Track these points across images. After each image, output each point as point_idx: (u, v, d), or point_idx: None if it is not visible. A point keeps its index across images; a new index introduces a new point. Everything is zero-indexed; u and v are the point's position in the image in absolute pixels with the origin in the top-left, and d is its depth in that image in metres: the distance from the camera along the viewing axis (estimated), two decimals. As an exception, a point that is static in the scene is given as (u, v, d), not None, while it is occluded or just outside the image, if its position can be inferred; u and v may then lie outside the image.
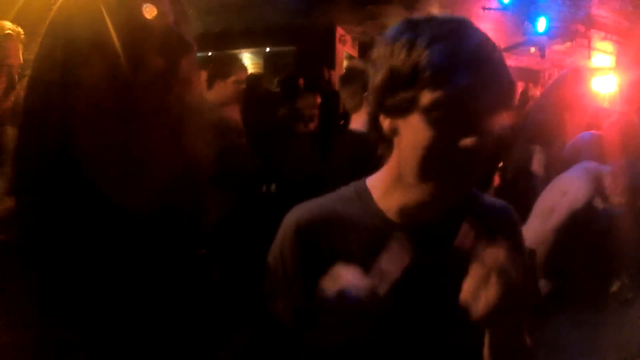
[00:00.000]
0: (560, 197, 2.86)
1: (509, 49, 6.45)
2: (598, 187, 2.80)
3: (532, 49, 5.84)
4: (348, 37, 7.68)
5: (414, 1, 4.04)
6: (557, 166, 3.17)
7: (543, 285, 2.76)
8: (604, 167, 2.93)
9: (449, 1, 5.19)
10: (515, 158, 3.47)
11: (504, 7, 4.97)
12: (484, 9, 5.25)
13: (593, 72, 7.54)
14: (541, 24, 5.21)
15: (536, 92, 7.93)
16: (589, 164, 3.02)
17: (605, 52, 6.84)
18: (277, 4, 5.22)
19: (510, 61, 9.16)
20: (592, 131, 3.91)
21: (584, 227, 2.69)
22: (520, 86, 8.66)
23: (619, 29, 5.36)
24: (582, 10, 5.07)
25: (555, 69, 9.04)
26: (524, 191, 3.39)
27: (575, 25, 5.42)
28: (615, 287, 3.21)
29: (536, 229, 2.83)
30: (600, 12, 5.00)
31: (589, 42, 6.06)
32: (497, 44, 1.01)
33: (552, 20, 5.27)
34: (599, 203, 2.87)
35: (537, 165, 3.47)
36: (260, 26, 5.84)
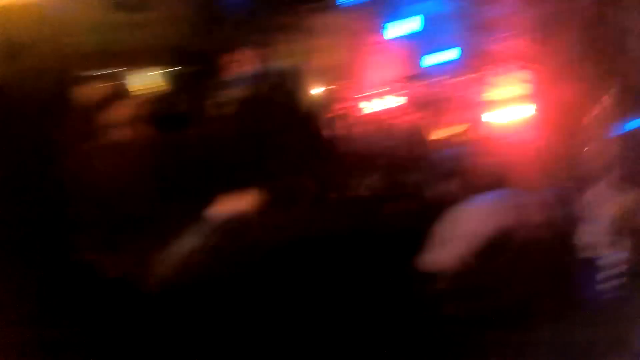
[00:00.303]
0: (466, 227, 3.20)
1: (405, 80, 6.47)
2: (519, 213, 3.17)
3: (432, 80, 5.83)
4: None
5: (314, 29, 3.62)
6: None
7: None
8: (522, 192, 3.34)
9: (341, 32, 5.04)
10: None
11: (404, 39, 4.82)
12: (381, 41, 5.11)
13: (498, 104, 7.93)
14: (440, 56, 5.29)
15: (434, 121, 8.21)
16: (507, 191, 3.45)
17: (514, 82, 7.06)
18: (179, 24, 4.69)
19: (411, 92, 9.37)
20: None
21: (503, 248, 3.04)
22: (420, 116, 8.92)
23: (529, 59, 5.54)
24: (489, 41, 5.11)
25: (460, 100, 9.42)
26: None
27: (480, 55, 5.47)
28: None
29: (454, 253, 3.07)
30: (510, 43, 5.08)
31: (489, 73, 6.25)
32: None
33: (457, 51, 5.26)
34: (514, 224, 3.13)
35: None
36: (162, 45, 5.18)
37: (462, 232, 3.26)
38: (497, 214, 3.31)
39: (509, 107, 7.80)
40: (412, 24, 4.55)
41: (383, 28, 4.48)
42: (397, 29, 4.54)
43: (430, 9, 4.46)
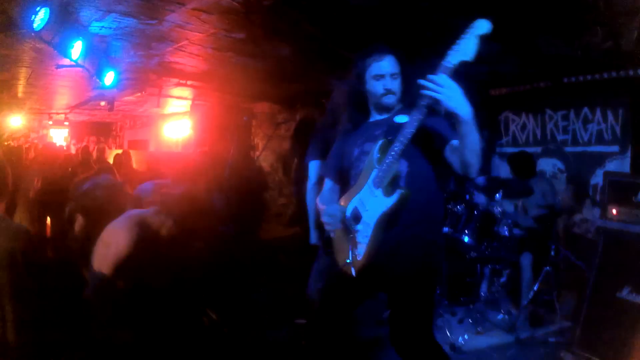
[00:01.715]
0: (106, 249, 3.02)
1: (81, 104, 5.77)
2: (142, 231, 3.04)
3: (103, 103, 5.39)
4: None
5: None
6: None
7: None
8: (150, 213, 3.20)
9: (22, 61, 4.65)
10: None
11: (77, 64, 4.43)
12: (58, 66, 4.56)
13: (165, 118, 7.60)
14: (109, 78, 4.93)
15: (108, 144, 7.41)
16: (133, 212, 3.26)
17: (180, 97, 6.91)
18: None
19: (83, 117, 8.21)
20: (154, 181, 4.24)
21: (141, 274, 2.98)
22: (93, 141, 7.88)
23: (195, 74, 5.57)
24: (154, 59, 5.01)
25: (127, 120, 8.57)
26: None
27: (147, 74, 5.30)
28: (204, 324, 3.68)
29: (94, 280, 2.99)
30: (175, 59, 5.06)
31: (160, 90, 6.03)
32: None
33: (123, 72, 5.03)
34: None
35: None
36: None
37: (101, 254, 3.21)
38: (131, 232, 3.06)
39: (175, 122, 7.91)
40: (78, 49, 4.13)
41: (60, 54, 3.95)
42: (72, 53, 4.07)
43: (96, 30, 4.11)
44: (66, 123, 8.31)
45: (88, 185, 4.39)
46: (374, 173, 2.25)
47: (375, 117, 2.48)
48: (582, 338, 3.57)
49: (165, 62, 5.23)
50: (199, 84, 6.06)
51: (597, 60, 4.64)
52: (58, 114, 7.57)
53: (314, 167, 3.53)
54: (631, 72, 4.70)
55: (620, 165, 5.03)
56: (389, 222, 2.21)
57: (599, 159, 5.20)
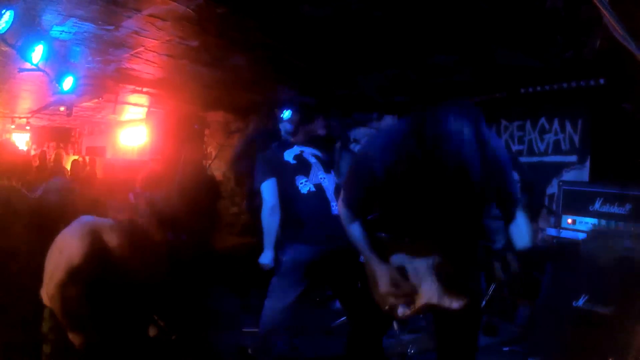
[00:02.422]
0: (59, 255, 2.92)
1: (42, 109, 5.86)
2: (95, 240, 2.92)
3: (62, 108, 5.52)
4: None
5: None
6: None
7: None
8: (103, 220, 3.07)
9: None
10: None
11: (38, 68, 4.59)
12: (20, 70, 4.69)
13: (122, 125, 7.69)
14: (67, 83, 5.09)
15: (66, 150, 7.44)
16: (87, 218, 3.09)
17: (136, 104, 7.04)
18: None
19: (43, 122, 8.17)
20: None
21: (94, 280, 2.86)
22: (52, 146, 7.87)
23: (151, 81, 5.75)
24: (112, 65, 5.19)
25: (85, 126, 8.57)
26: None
27: (105, 80, 5.47)
28: (152, 331, 3.87)
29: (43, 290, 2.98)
30: (132, 66, 5.24)
31: (117, 96, 6.19)
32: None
33: (82, 78, 5.20)
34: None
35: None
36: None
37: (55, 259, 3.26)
38: (84, 240, 3.33)
39: (132, 129, 8.03)
40: (39, 52, 4.29)
41: (22, 57, 4.09)
42: (33, 57, 4.22)
43: (57, 35, 4.28)
44: (27, 127, 8.33)
45: (40, 191, 4.51)
46: None
47: None
48: (537, 347, 3.61)
49: (122, 69, 5.39)
50: (155, 91, 6.24)
51: (556, 70, 4.70)
52: (20, 118, 7.60)
53: (270, 186, 3.59)
54: (592, 82, 4.73)
55: (579, 175, 5.04)
56: None
57: (556, 169, 5.20)
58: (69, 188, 4.28)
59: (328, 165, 3.78)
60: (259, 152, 3.88)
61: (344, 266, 3.64)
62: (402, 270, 2.26)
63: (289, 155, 3.63)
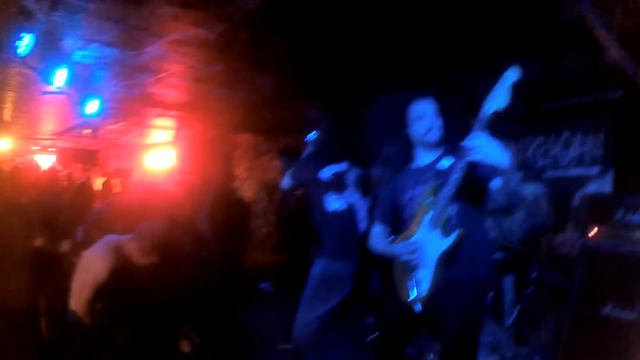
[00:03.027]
0: (86, 274, 3.22)
1: (66, 132, 5.94)
2: (119, 256, 3.26)
3: (87, 130, 5.57)
4: None
5: None
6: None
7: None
8: (124, 237, 3.37)
9: (8, 85, 4.89)
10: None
11: (61, 91, 4.61)
12: (44, 93, 4.72)
13: (149, 148, 7.77)
14: (92, 106, 5.12)
15: (93, 172, 7.54)
16: (110, 237, 3.43)
17: (163, 127, 7.11)
18: None
19: (68, 143, 8.36)
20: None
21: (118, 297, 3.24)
22: (78, 168, 8.02)
23: (177, 104, 5.76)
24: (136, 89, 5.21)
25: (112, 149, 8.75)
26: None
27: (130, 104, 5.49)
28: (187, 348, 3.86)
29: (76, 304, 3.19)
30: (156, 90, 5.26)
31: (142, 119, 6.22)
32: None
33: (107, 101, 5.21)
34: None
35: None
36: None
37: (82, 278, 3.32)
38: (108, 258, 3.30)
39: (159, 152, 8.07)
40: (63, 76, 4.31)
41: (45, 80, 4.13)
42: (56, 80, 4.24)
43: (79, 59, 4.29)
44: (53, 149, 8.46)
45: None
46: (429, 215, 2.37)
47: (418, 162, 2.61)
48: (566, 355, 3.59)
49: (147, 93, 5.45)
50: (182, 114, 6.27)
51: (576, 83, 4.72)
52: (44, 139, 7.73)
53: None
54: (612, 94, 4.72)
55: (602, 186, 5.06)
56: (448, 261, 2.31)
57: (580, 182, 5.20)
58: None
59: (367, 188, 3.78)
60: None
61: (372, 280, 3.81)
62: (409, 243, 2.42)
63: (328, 171, 3.63)
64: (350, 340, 4.79)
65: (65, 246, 4.15)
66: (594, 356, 3.40)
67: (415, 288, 2.37)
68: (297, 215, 5.53)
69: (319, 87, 5.40)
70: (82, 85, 4.62)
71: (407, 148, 2.67)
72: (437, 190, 2.32)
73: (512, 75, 2.15)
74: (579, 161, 5.29)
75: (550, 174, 5.46)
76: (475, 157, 2.08)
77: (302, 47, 4.26)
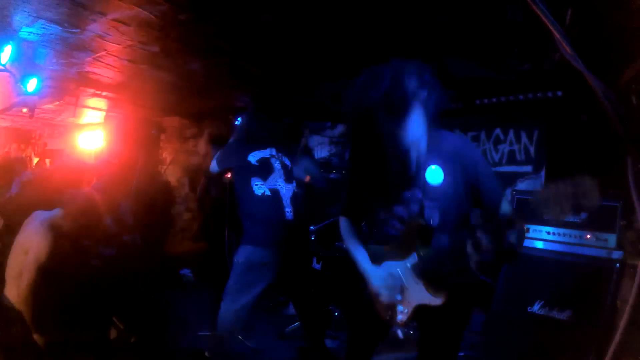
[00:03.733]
0: (24, 256, 3.19)
1: (5, 110, 5.94)
2: (56, 233, 3.26)
3: (24, 110, 5.66)
4: None
5: None
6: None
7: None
8: (56, 212, 3.40)
9: None
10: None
11: (5, 69, 4.75)
12: None
13: (81, 128, 7.75)
14: (31, 84, 5.24)
15: (28, 151, 7.44)
16: (42, 215, 3.42)
17: (95, 108, 7.17)
18: None
19: (6, 122, 8.06)
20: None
21: (60, 277, 3.20)
22: (14, 148, 7.81)
23: (111, 85, 5.93)
24: (74, 68, 5.37)
25: (45, 128, 8.53)
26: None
27: (67, 83, 5.63)
28: (113, 334, 4.04)
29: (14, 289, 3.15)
30: (93, 69, 5.43)
31: (77, 99, 6.33)
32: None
33: (45, 80, 5.36)
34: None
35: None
36: None
37: (20, 261, 3.30)
38: (46, 235, 3.32)
39: (90, 133, 8.13)
40: (7, 53, 4.45)
41: None
42: (2, 57, 4.36)
43: (25, 36, 4.42)
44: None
45: (15, 188, 4.61)
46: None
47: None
48: (491, 351, 3.72)
49: (84, 72, 5.55)
50: (114, 95, 6.44)
51: (513, 82, 4.75)
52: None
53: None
54: (550, 94, 4.78)
55: (534, 184, 5.13)
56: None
57: (511, 179, 5.26)
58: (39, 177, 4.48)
59: (291, 175, 3.87)
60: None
61: (296, 270, 3.79)
62: (393, 276, 2.25)
63: (254, 157, 3.72)
64: (271, 330, 4.97)
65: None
66: (521, 352, 3.51)
67: (400, 312, 2.25)
68: (219, 202, 5.61)
69: (248, 75, 5.53)
70: (24, 63, 4.75)
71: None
72: (420, 215, 2.23)
73: None
74: (510, 159, 5.39)
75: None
76: None
77: (237, 33, 4.40)
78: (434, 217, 2.15)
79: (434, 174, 2.17)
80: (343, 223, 2.61)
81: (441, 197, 2.15)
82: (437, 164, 2.17)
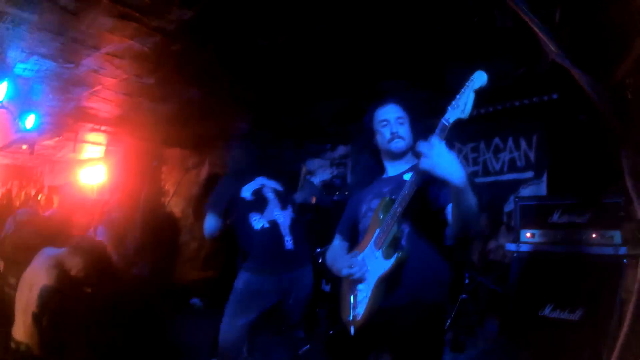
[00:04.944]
0: (29, 292, 3.19)
1: (4, 147, 5.96)
2: (60, 271, 3.25)
3: (24, 146, 5.68)
4: None
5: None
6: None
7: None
8: (63, 250, 3.38)
9: None
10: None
11: (1, 105, 4.77)
12: None
13: (81, 164, 7.77)
14: (30, 121, 5.26)
15: (29, 189, 7.45)
16: (49, 251, 3.40)
17: (95, 143, 7.21)
18: None
19: (6, 160, 8.12)
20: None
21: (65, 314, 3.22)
22: (15, 185, 7.84)
23: (109, 119, 5.96)
24: (71, 103, 5.40)
25: (46, 165, 8.57)
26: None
27: (65, 118, 5.65)
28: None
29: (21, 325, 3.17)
30: (90, 104, 5.47)
31: (76, 135, 6.35)
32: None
33: (43, 116, 5.39)
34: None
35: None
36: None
37: (25, 297, 3.28)
38: (52, 273, 3.31)
39: (91, 168, 8.15)
40: (3, 90, 4.46)
41: None
42: None
43: (20, 72, 4.46)
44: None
45: (9, 225, 4.59)
46: (376, 233, 2.20)
47: (388, 172, 2.45)
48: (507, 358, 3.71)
49: (81, 107, 5.60)
50: (113, 130, 6.45)
51: (509, 87, 4.68)
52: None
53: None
54: (545, 97, 4.77)
55: (536, 190, 5.08)
56: (388, 285, 2.15)
57: (513, 187, 5.23)
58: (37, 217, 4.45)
59: (285, 201, 3.83)
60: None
61: (300, 295, 3.70)
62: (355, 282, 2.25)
63: (247, 191, 3.69)
64: (284, 353, 4.65)
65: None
66: (536, 355, 3.51)
67: (351, 309, 2.24)
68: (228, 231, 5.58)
69: (246, 100, 5.57)
70: (21, 100, 4.78)
71: (375, 158, 2.53)
72: (388, 207, 2.17)
73: (479, 79, 1.97)
74: (511, 166, 5.34)
75: (480, 180, 5.49)
76: (423, 164, 1.83)
77: (232, 59, 4.41)
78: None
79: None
80: (335, 243, 2.69)
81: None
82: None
